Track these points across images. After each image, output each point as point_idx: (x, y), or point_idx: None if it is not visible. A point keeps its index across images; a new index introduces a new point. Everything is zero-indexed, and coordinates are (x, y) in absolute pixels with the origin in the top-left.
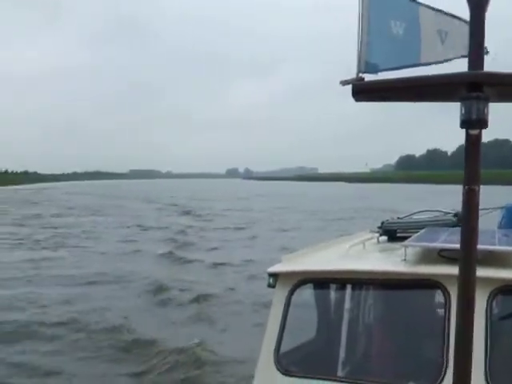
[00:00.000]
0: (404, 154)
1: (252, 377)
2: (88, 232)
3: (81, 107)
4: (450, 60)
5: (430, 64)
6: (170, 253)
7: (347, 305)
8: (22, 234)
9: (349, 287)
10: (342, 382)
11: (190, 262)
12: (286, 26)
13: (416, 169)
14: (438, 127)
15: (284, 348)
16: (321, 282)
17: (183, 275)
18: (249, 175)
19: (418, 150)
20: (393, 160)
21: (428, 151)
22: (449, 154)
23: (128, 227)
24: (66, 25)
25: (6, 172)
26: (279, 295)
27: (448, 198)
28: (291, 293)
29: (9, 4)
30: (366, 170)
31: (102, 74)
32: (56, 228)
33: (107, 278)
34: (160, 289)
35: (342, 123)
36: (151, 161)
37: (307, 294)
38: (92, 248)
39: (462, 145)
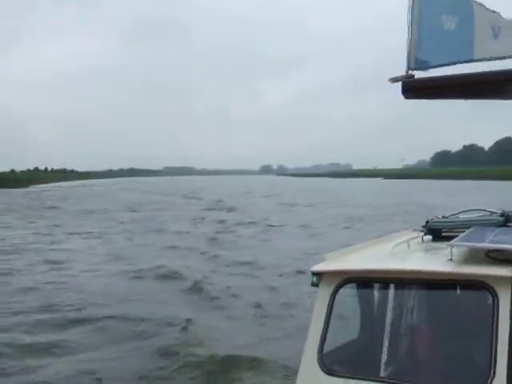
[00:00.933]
0: (440, 150)
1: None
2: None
3: (115, 105)
4: (506, 58)
5: (484, 60)
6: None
7: (391, 305)
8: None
9: (393, 287)
10: (383, 382)
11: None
12: (328, 23)
13: (452, 165)
14: (475, 122)
15: (327, 347)
16: (365, 281)
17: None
18: (282, 172)
19: (454, 146)
20: (427, 156)
21: (464, 147)
22: (486, 149)
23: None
24: (102, 23)
25: (45, 170)
26: (323, 294)
27: (485, 194)
28: (335, 292)
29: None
30: (400, 166)
31: (137, 73)
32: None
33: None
34: None
35: (376, 119)
36: (185, 158)
37: (351, 293)
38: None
39: (500, 140)
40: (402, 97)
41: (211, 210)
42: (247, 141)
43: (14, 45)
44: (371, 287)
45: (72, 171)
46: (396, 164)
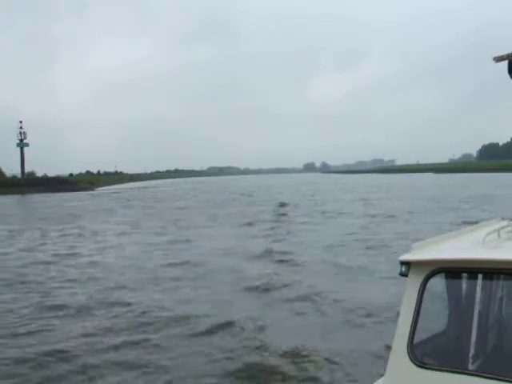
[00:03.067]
0: (487, 143)
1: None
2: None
3: (162, 107)
4: None
5: None
6: None
7: (481, 296)
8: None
9: (484, 277)
10: (472, 375)
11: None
12: (371, 18)
13: (499, 157)
14: None
15: (417, 339)
16: (455, 271)
17: None
18: (326, 169)
19: (502, 139)
20: (473, 149)
21: None
22: None
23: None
24: (156, 25)
25: (98, 173)
26: (412, 284)
27: None
28: (425, 282)
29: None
30: (446, 160)
31: (187, 74)
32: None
33: None
34: None
35: (419, 115)
36: (229, 158)
37: (441, 283)
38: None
39: None
40: (444, 92)
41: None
42: (290, 138)
43: (62, 51)
44: (461, 277)
45: (122, 173)
46: (441, 158)
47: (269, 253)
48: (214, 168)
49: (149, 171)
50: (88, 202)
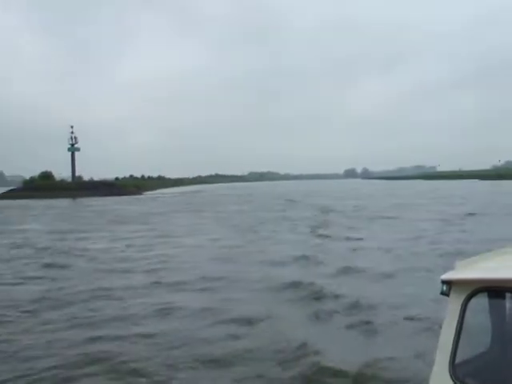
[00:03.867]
0: None
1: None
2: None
3: (203, 113)
4: None
5: None
6: None
7: None
8: None
9: None
10: None
11: None
12: (417, 23)
13: None
14: None
15: (459, 359)
16: (498, 290)
17: None
18: (367, 175)
19: None
20: None
21: None
22: None
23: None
24: (199, 33)
25: (142, 177)
26: (453, 303)
27: None
28: (466, 301)
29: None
30: (489, 167)
31: (229, 81)
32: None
33: None
34: None
35: (461, 121)
36: (269, 163)
37: (483, 302)
38: None
39: None
40: (487, 98)
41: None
42: (331, 144)
43: (106, 57)
44: (504, 297)
45: (164, 178)
46: (483, 165)
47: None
48: (255, 173)
49: (191, 176)
50: (144, 205)
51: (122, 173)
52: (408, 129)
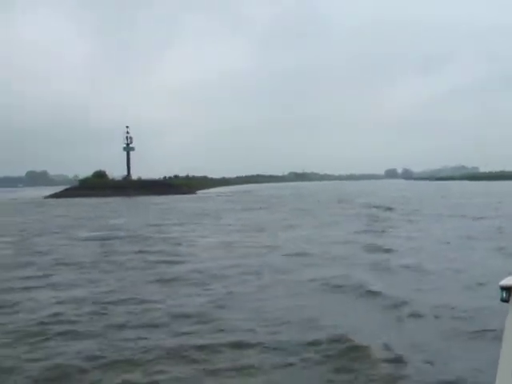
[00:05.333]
0: None
1: None
2: None
3: (243, 111)
4: None
5: None
6: None
7: None
8: None
9: None
10: None
11: None
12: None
13: None
14: None
15: None
16: None
17: None
18: (407, 175)
19: None
20: None
21: None
22: None
23: None
24: (239, 32)
25: (187, 176)
26: None
27: None
28: None
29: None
30: None
31: (266, 81)
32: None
33: None
34: None
35: (504, 121)
36: (308, 163)
37: None
38: None
39: None
40: None
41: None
42: (370, 144)
43: (145, 58)
44: None
45: (207, 177)
46: None
47: None
48: (295, 173)
49: (232, 176)
50: (206, 203)
51: (165, 172)
52: (448, 129)
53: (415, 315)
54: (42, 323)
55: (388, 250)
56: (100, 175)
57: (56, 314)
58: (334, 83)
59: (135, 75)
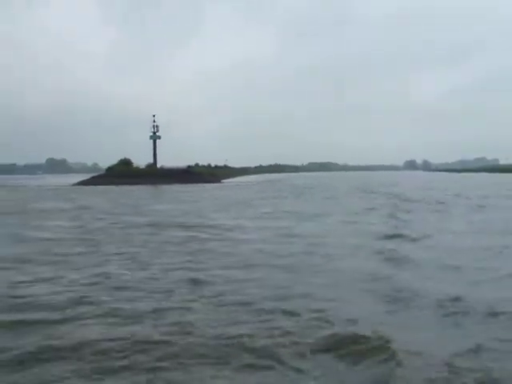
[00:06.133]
0: None
1: None
2: None
3: (263, 102)
4: None
5: None
6: None
7: None
8: None
9: None
10: None
11: None
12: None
13: None
14: None
15: None
16: None
17: None
18: (427, 167)
19: None
20: None
21: None
22: None
23: None
24: (266, 22)
25: (209, 166)
26: None
27: None
28: None
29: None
30: None
31: (291, 69)
32: None
33: None
34: None
35: None
36: (327, 153)
37: None
38: None
39: None
40: None
41: None
42: (391, 135)
43: (166, 50)
44: None
45: (228, 167)
46: None
47: None
48: (314, 163)
49: (252, 165)
50: (236, 192)
51: (184, 161)
52: (469, 121)
53: None
54: None
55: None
56: (126, 163)
57: None
58: (356, 73)
59: (157, 63)
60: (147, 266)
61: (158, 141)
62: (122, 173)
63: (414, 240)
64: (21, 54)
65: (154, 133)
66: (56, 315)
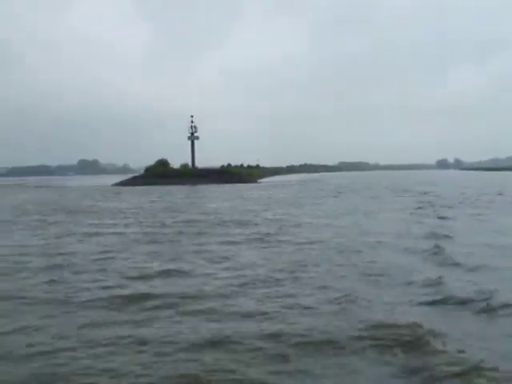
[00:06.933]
0: None
1: None
2: None
3: (292, 101)
4: None
5: None
6: None
7: None
8: None
9: None
10: None
11: None
12: None
13: None
14: None
15: None
16: None
17: None
18: (459, 166)
19: None
20: None
21: None
22: None
23: None
24: (294, 15)
25: (241, 165)
26: None
27: None
28: None
29: None
30: None
31: (320, 69)
32: None
33: None
34: None
35: None
36: (357, 153)
37: None
38: None
39: None
40: None
41: None
42: (422, 134)
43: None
44: None
45: (259, 166)
46: None
47: None
48: (345, 163)
49: (283, 165)
50: (279, 191)
51: (218, 161)
52: (502, 118)
53: None
54: None
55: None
56: (163, 163)
57: None
58: (390, 71)
59: (185, 64)
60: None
61: (189, 141)
62: (161, 173)
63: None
64: (54, 56)
65: (192, 133)
66: None
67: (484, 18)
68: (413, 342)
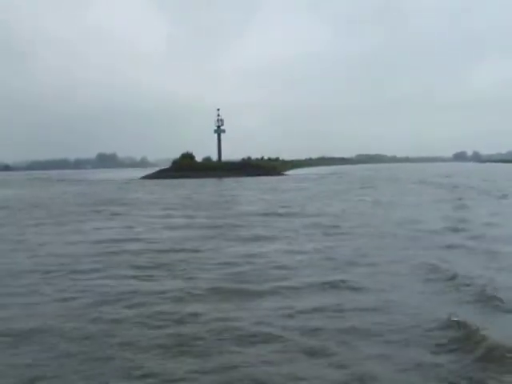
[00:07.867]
0: None
1: None
2: None
3: (313, 94)
4: None
5: None
6: None
7: None
8: None
9: None
10: None
11: None
12: None
13: None
14: None
15: None
16: None
17: None
18: (477, 158)
19: None
20: None
21: None
22: None
23: None
24: (314, 11)
25: (262, 158)
26: None
27: None
28: None
29: None
30: None
31: (339, 63)
32: None
33: None
34: None
35: None
36: (374, 145)
37: None
38: None
39: None
40: None
41: None
42: (441, 126)
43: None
44: None
45: (277, 159)
46: None
47: None
48: (362, 155)
49: (302, 158)
50: (308, 184)
51: (239, 154)
52: None
53: None
54: None
55: None
56: (188, 157)
57: None
58: (412, 63)
59: (206, 58)
60: None
61: (215, 134)
62: (187, 166)
63: None
64: (73, 51)
65: (219, 127)
66: None
67: (507, 11)
68: None
